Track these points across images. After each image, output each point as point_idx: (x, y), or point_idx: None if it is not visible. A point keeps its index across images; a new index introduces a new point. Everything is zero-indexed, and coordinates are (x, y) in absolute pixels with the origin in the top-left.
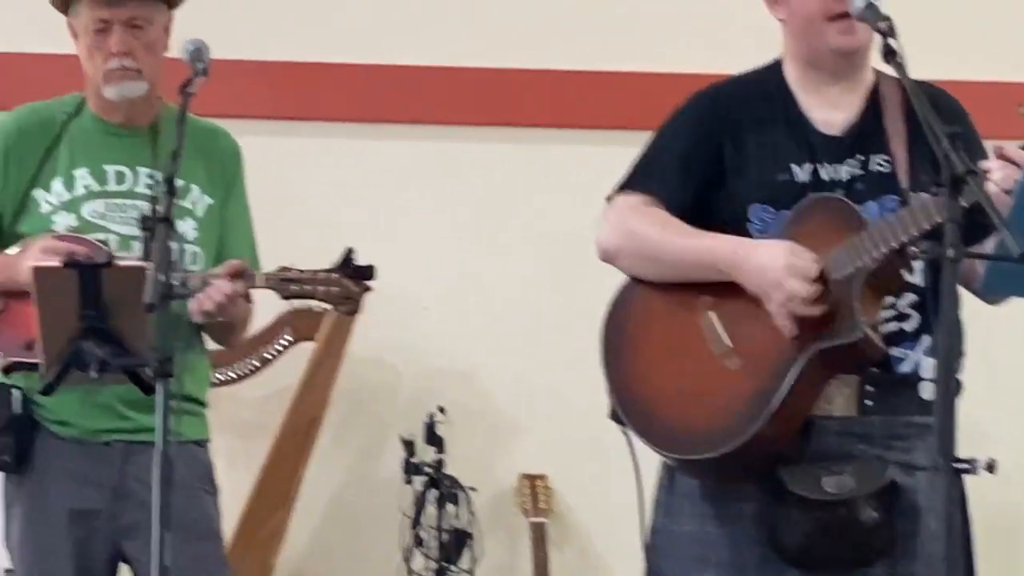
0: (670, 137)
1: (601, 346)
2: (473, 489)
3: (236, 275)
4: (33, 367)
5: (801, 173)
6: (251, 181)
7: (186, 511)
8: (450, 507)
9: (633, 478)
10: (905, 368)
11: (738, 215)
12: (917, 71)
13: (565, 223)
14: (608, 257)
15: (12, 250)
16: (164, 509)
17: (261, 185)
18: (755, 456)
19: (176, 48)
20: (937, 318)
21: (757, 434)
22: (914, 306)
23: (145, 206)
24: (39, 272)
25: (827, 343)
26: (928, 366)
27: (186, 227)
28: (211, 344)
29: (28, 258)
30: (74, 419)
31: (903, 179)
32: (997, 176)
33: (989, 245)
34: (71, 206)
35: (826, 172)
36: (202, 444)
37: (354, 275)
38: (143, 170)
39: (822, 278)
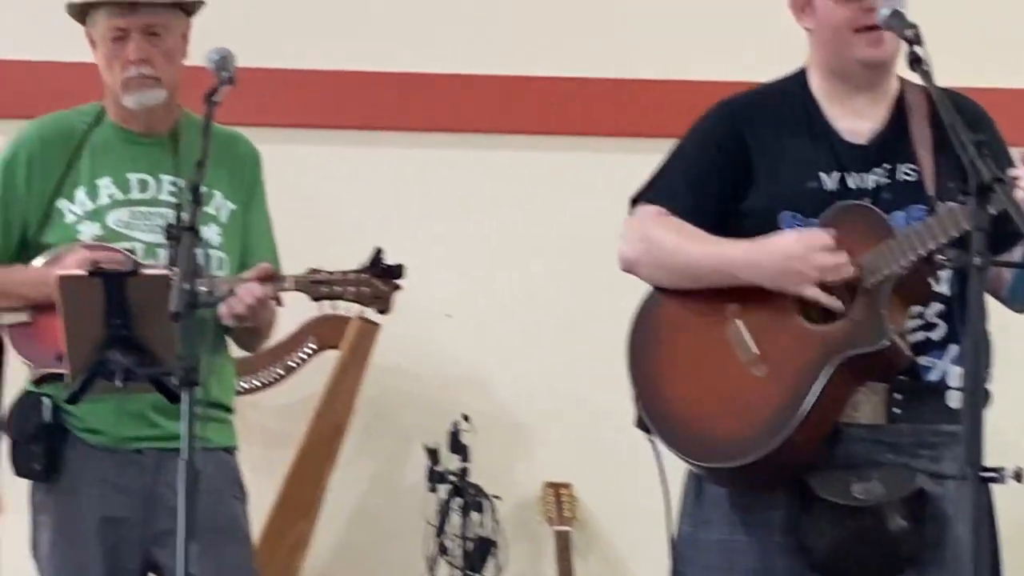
0: (691, 148)
1: (627, 354)
2: (497, 497)
3: (266, 279)
4: (64, 378)
5: (829, 181)
6: (272, 189)
7: (217, 515)
8: (474, 515)
9: (657, 485)
10: (933, 377)
11: (767, 223)
12: (942, 78)
13: (587, 230)
14: (629, 267)
15: (39, 260)
16: (190, 517)
17: (281, 192)
18: (783, 464)
19: (201, 57)
20: (964, 327)
21: (785, 442)
22: (941, 315)
23: (169, 213)
24: (64, 281)
25: (855, 351)
26: (955, 375)
27: (211, 233)
28: (235, 352)
29: (58, 270)
30: (105, 427)
31: (930, 187)
32: None
33: (1017, 253)
34: (96, 215)
35: (853, 180)
36: (230, 451)
37: (383, 274)
38: (166, 177)
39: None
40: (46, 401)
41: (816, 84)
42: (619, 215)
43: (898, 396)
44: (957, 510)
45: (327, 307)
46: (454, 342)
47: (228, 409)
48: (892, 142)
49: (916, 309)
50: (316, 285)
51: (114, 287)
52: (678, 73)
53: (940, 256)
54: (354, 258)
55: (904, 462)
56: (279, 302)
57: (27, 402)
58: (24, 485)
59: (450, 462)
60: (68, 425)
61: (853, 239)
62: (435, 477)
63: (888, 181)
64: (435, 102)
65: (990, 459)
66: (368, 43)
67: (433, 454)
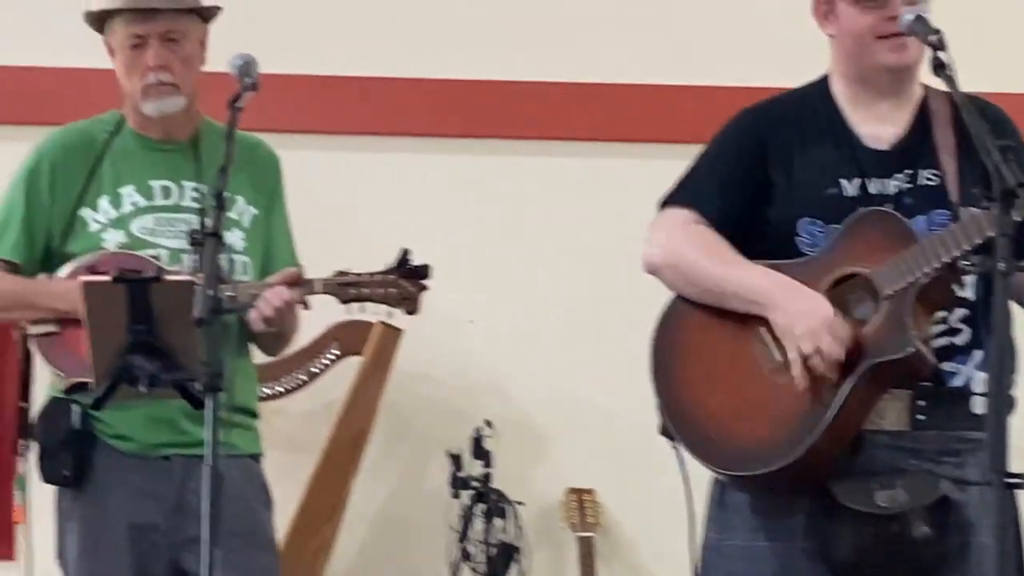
0: (717, 154)
1: (651, 361)
2: (520, 503)
3: (294, 282)
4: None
5: (850, 187)
6: (294, 195)
7: (243, 522)
8: (497, 521)
9: (680, 492)
10: (957, 382)
11: (787, 229)
12: (965, 84)
13: (611, 235)
14: (653, 270)
15: (64, 270)
16: (214, 523)
17: (304, 199)
18: (807, 471)
19: (224, 63)
20: (989, 332)
21: (810, 449)
22: (965, 320)
23: (192, 219)
24: (88, 287)
25: (879, 358)
26: (980, 380)
27: (234, 238)
28: (258, 358)
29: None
30: (134, 433)
31: (953, 193)
32: None
33: None
34: (120, 223)
35: (875, 186)
36: (256, 458)
37: (410, 275)
38: (188, 184)
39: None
40: (75, 408)
41: (839, 90)
42: (643, 221)
43: (922, 402)
44: (981, 517)
45: (355, 308)
46: (477, 348)
47: (253, 414)
48: (915, 147)
49: (940, 315)
50: (344, 287)
51: (138, 293)
52: (702, 79)
53: (964, 262)
54: (377, 264)
55: (928, 468)
56: (306, 305)
57: (56, 408)
58: (52, 491)
59: (473, 468)
60: (96, 431)
61: (875, 245)
62: (458, 483)
63: (910, 186)
64: (458, 107)
65: (1014, 465)
66: (391, 49)
67: (456, 460)
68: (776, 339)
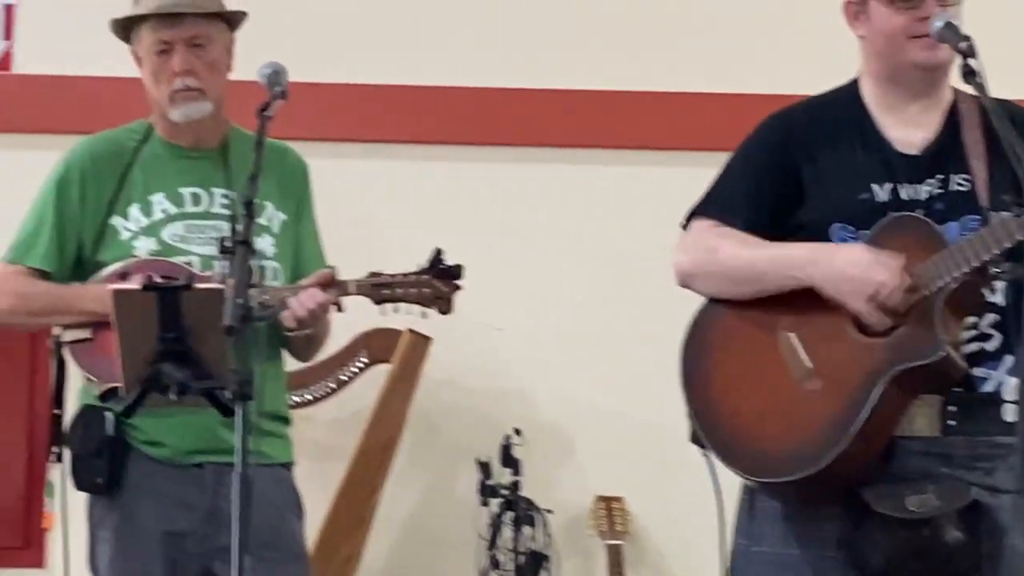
0: (745, 161)
1: (680, 369)
2: (549, 511)
3: (327, 284)
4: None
5: (881, 192)
6: (323, 203)
7: (274, 532)
8: (526, 529)
9: (709, 499)
10: (987, 388)
11: (818, 235)
12: (995, 89)
13: (639, 243)
14: (686, 279)
15: (97, 277)
16: (243, 530)
17: (333, 207)
18: (838, 477)
19: (254, 72)
20: (1019, 338)
21: (840, 456)
22: (995, 326)
23: (223, 226)
24: (118, 295)
25: (909, 363)
26: (1011, 386)
27: (264, 244)
28: (287, 366)
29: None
30: (168, 439)
31: (983, 198)
32: None
33: None
34: (151, 230)
35: (905, 192)
36: (288, 467)
37: (443, 275)
38: (217, 191)
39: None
40: (108, 415)
41: (868, 93)
42: (670, 228)
43: (952, 408)
44: (1014, 522)
45: (388, 310)
46: (506, 356)
47: (285, 420)
48: (945, 152)
49: (970, 320)
50: (377, 288)
51: (168, 301)
52: (730, 86)
53: (994, 267)
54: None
55: (959, 475)
56: (340, 307)
57: (90, 416)
58: (85, 498)
59: (502, 476)
60: (130, 438)
61: (906, 251)
62: (487, 491)
63: (941, 191)
64: (487, 115)
65: None
66: (420, 57)
67: (485, 468)
68: (805, 344)
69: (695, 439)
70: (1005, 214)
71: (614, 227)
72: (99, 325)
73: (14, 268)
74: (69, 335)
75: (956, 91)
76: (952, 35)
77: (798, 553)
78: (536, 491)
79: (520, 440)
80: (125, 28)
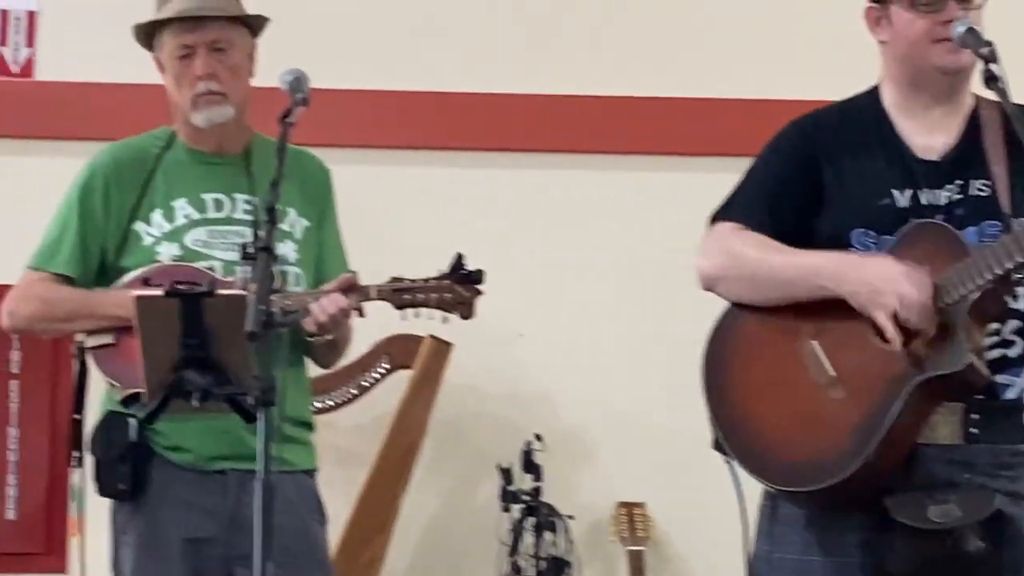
0: (767, 166)
1: (702, 376)
2: (571, 517)
3: (349, 289)
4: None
5: (902, 198)
6: (344, 209)
7: (297, 539)
8: (548, 535)
9: (731, 505)
10: (1010, 395)
11: (839, 240)
12: (1018, 95)
13: (660, 248)
14: (709, 283)
15: (121, 282)
16: (266, 536)
17: (353, 213)
18: (860, 486)
19: (276, 78)
20: None
21: (863, 464)
22: (1018, 332)
23: (245, 231)
24: (141, 301)
25: (932, 372)
26: None
27: (287, 249)
28: (309, 371)
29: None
30: (191, 444)
31: (1004, 203)
32: None
33: None
34: (173, 236)
35: (926, 197)
36: (311, 474)
37: (465, 280)
38: (240, 196)
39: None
40: (132, 421)
41: (889, 99)
42: (692, 233)
43: (975, 416)
44: None
45: (409, 315)
46: (527, 362)
47: (309, 426)
48: (966, 157)
49: (993, 327)
50: (399, 293)
51: (190, 308)
52: (751, 92)
53: (1017, 274)
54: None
55: (982, 482)
56: (361, 312)
57: (113, 422)
58: (107, 502)
59: (523, 482)
60: (152, 444)
61: (928, 258)
62: (508, 497)
63: (961, 197)
64: (509, 121)
65: None
66: (441, 63)
67: (506, 474)
68: (828, 351)
69: (717, 446)
70: None
71: (636, 232)
72: (122, 330)
73: (38, 274)
74: (92, 340)
75: (977, 97)
76: (974, 40)
77: (820, 560)
78: (557, 497)
79: (541, 446)
80: (148, 34)
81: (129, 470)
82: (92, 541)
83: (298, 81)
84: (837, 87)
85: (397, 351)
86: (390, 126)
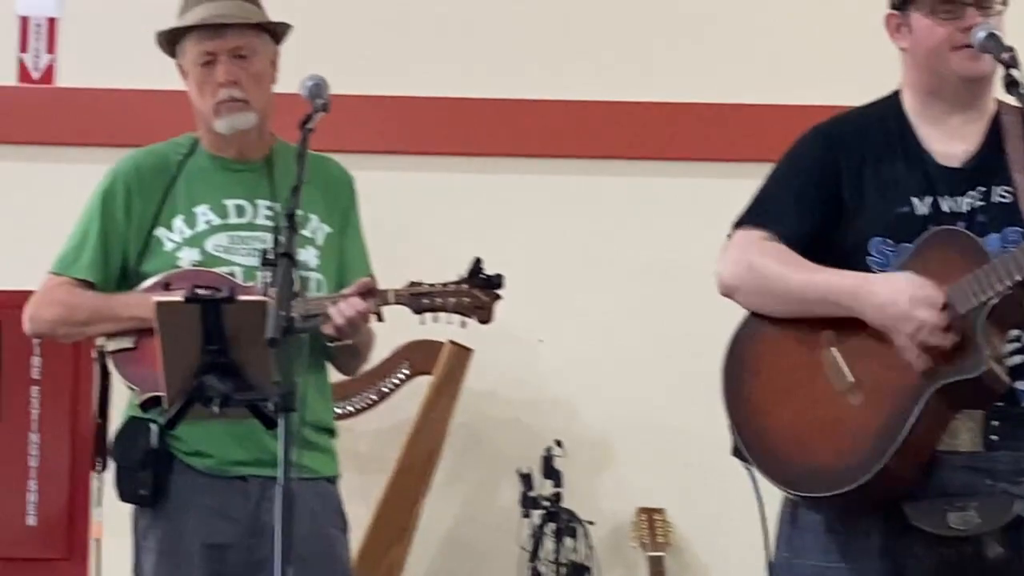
0: (787, 173)
1: (722, 382)
2: (591, 523)
3: (367, 293)
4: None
5: (921, 206)
6: (365, 215)
7: (318, 546)
8: (568, 541)
9: (751, 510)
10: None
11: (858, 249)
12: None
13: (680, 254)
14: (728, 291)
15: (142, 287)
16: (286, 542)
17: (373, 219)
18: (880, 492)
19: (296, 84)
20: None
21: (882, 470)
22: None
23: (266, 237)
24: (161, 307)
25: (951, 378)
26: None
27: (308, 255)
28: (330, 377)
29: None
30: (212, 450)
31: None
32: None
33: None
34: (194, 241)
35: (946, 204)
36: (333, 481)
37: (484, 284)
38: (262, 202)
39: (947, 308)
40: (153, 427)
41: (910, 105)
42: (712, 239)
43: (995, 423)
44: None
45: (428, 319)
46: (547, 367)
47: (331, 432)
48: (987, 164)
49: (1013, 333)
50: (417, 298)
51: (211, 313)
52: (771, 97)
53: None
54: None
55: (1003, 489)
56: (380, 317)
57: (134, 428)
58: (125, 509)
59: (543, 487)
60: (173, 450)
61: (948, 265)
62: (528, 502)
63: (983, 204)
64: (527, 128)
65: None
66: (462, 69)
67: (526, 479)
68: (847, 358)
69: (737, 452)
70: None
71: (657, 237)
72: (142, 335)
73: (59, 279)
74: (112, 345)
75: (999, 102)
76: (995, 45)
77: (840, 566)
78: (578, 503)
79: (561, 451)
80: (170, 41)
81: (150, 476)
82: (113, 547)
83: (318, 87)
84: (856, 92)
85: (417, 357)
86: (411, 131)
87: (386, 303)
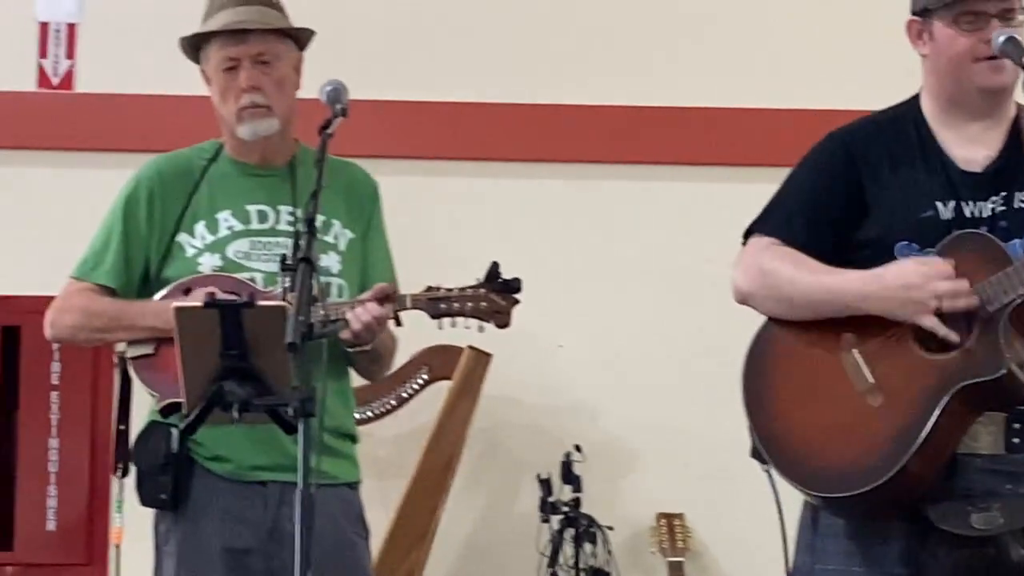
0: (805, 178)
1: (742, 384)
2: (610, 528)
3: (384, 298)
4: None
5: (945, 210)
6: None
7: (338, 553)
8: (587, 546)
9: (770, 515)
10: None
11: (882, 253)
12: None
13: (699, 259)
14: (743, 298)
15: (161, 292)
16: (306, 547)
17: (393, 224)
18: (900, 493)
19: (315, 90)
20: None
21: (901, 471)
22: None
23: (288, 243)
24: (180, 312)
25: (971, 380)
26: None
27: (330, 261)
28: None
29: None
30: (232, 454)
31: None
32: None
33: None
34: (215, 247)
35: (969, 209)
36: (354, 487)
37: (501, 289)
38: (284, 208)
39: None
40: (174, 432)
41: (929, 111)
42: (731, 245)
43: (1017, 425)
44: None
45: (446, 324)
46: (566, 373)
47: (352, 438)
48: (1008, 169)
49: None
50: (434, 303)
51: (230, 318)
52: (789, 102)
53: None
54: None
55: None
56: (398, 321)
57: (155, 432)
58: (147, 513)
59: (562, 492)
60: (193, 454)
61: (970, 268)
62: (548, 508)
63: (1004, 208)
64: (547, 132)
65: None
66: (480, 75)
67: (546, 485)
68: (867, 359)
69: (756, 454)
70: None
71: (675, 242)
72: (162, 341)
73: (80, 284)
74: (132, 351)
75: (1019, 106)
76: (1014, 49)
77: (862, 571)
78: (597, 508)
79: (580, 457)
80: (194, 47)
81: (170, 480)
82: (133, 551)
83: (337, 92)
84: (874, 97)
85: (436, 362)
86: (429, 136)
87: (403, 308)
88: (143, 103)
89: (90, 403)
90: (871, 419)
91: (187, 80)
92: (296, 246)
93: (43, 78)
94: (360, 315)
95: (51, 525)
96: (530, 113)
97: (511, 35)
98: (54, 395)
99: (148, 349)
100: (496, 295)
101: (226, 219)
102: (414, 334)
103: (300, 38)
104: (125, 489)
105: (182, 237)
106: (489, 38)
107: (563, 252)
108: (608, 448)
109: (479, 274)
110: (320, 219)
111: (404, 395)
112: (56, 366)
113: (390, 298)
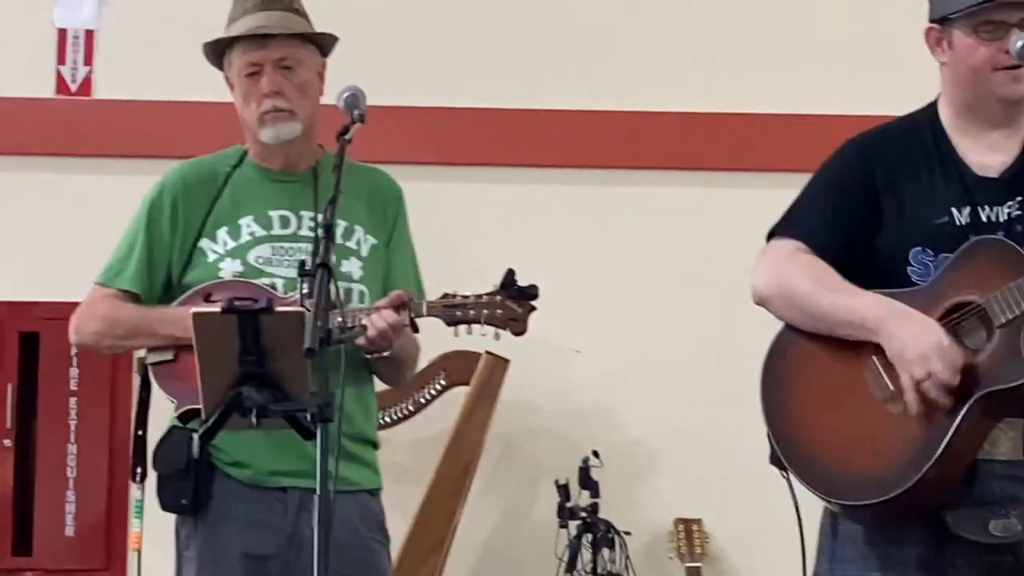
0: (825, 184)
1: (761, 390)
2: (628, 533)
3: (400, 305)
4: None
5: (960, 216)
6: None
7: (359, 560)
8: (605, 552)
9: (789, 521)
10: None
11: (898, 259)
12: None
13: (717, 264)
14: (761, 301)
15: (181, 298)
16: (325, 556)
17: (412, 229)
18: (920, 500)
19: (333, 96)
20: None
21: (922, 479)
22: None
23: (309, 248)
24: (198, 317)
25: (992, 387)
26: None
27: (352, 267)
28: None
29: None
30: (252, 460)
31: None
32: None
33: None
34: (237, 252)
35: (985, 214)
36: (374, 493)
37: (518, 296)
38: (306, 214)
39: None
40: (195, 436)
41: (947, 118)
42: (749, 249)
43: None
44: None
45: (462, 332)
46: (584, 378)
47: (373, 445)
48: None
49: None
50: (450, 310)
51: (248, 324)
52: (807, 107)
53: None
54: None
55: None
56: (415, 327)
57: (175, 437)
58: (165, 519)
59: (580, 498)
60: (213, 459)
61: (988, 274)
62: (565, 513)
63: (1021, 212)
64: (565, 138)
65: None
66: (498, 80)
67: (563, 490)
68: (888, 368)
69: (774, 460)
70: None
71: (692, 247)
72: (182, 347)
73: (104, 291)
74: (152, 357)
75: None
76: None
77: None
78: (615, 513)
79: (598, 462)
80: (217, 53)
81: (191, 485)
82: (151, 556)
83: (355, 98)
84: (892, 102)
85: (454, 367)
86: (445, 142)
87: (419, 315)
88: (161, 109)
89: (108, 409)
90: (891, 427)
91: (205, 86)
92: (314, 252)
93: (61, 84)
94: (375, 322)
95: (70, 531)
96: (547, 119)
97: (527, 41)
98: (72, 401)
99: (168, 356)
100: (512, 302)
101: (248, 224)
102: (431, 340)
103: (323, 44)
104: (145, 495)
105: (204, 243)
106: (506, 45)
107: (579, 257)
108: (626, 453)
109: (494, 280)
110: (342, 225)
111: (422, 400)
112: (75, 372)
113: (406, 305)
